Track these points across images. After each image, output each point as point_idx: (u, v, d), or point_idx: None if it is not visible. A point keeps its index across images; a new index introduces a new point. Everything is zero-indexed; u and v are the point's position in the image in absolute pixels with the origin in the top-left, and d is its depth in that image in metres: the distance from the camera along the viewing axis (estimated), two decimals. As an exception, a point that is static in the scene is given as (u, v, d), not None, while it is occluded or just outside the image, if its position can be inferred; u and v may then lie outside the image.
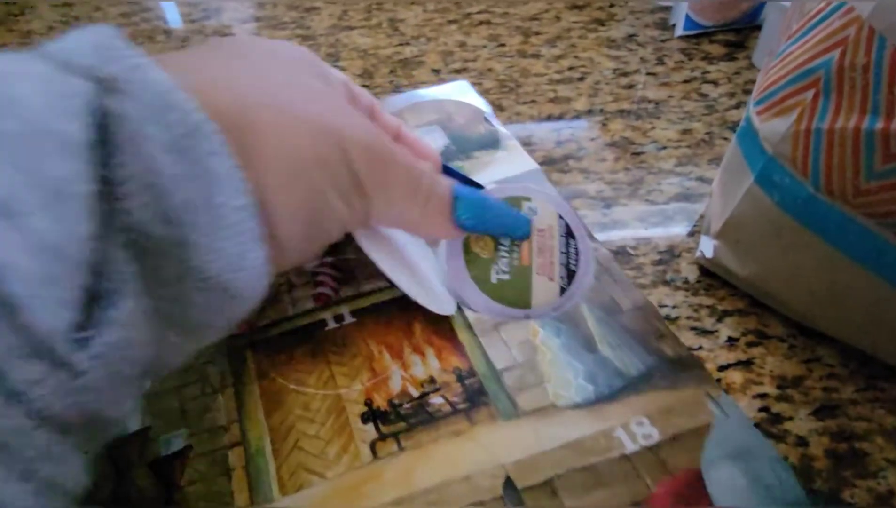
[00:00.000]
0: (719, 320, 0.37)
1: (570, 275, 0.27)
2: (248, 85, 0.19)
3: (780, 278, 0.34)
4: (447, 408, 0.31)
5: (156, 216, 0.15)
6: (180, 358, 0.19)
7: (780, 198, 0.32)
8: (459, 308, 0.35)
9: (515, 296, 0.27)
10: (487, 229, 0.27)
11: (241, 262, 0.17)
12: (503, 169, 0.44)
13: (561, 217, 0.29)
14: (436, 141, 0.46)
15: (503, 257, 0.27)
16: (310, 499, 0.28)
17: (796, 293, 0.34)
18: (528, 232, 0.28)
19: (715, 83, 0.56)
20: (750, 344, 0.35)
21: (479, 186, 0.32)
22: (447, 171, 0.31)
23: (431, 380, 0.32)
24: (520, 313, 0.26)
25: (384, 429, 0.30)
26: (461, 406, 0.31)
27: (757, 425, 0.31)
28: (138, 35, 0.65)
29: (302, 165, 0.19)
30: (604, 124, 0.52)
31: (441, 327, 0.35)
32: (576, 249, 0.28)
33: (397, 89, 0.56)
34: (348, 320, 0.35)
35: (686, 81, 0.57)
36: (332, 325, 0.35)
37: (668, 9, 0.67)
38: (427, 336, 0.34)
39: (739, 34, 0.62)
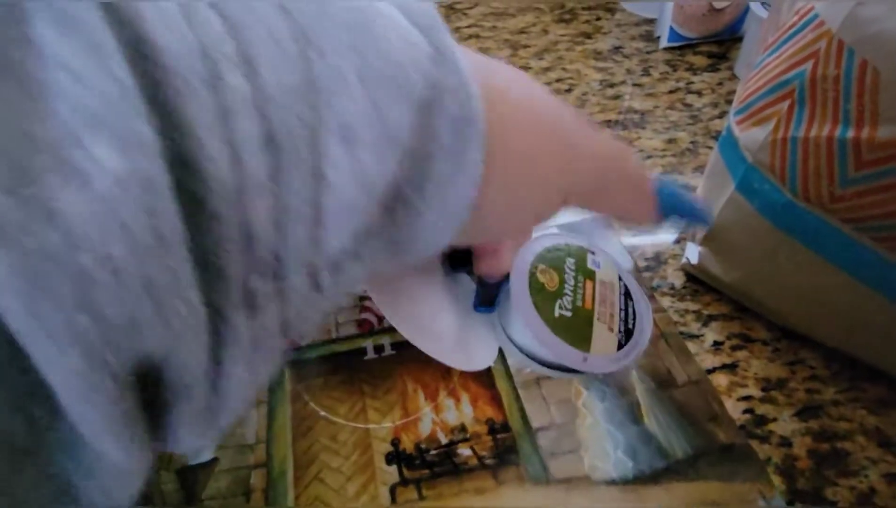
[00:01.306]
0: (705, 324, 0.37)
1: (628, 334, 0.27)
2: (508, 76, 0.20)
3: (763, 283, 0.35)
4: (474, 461, 0.30)
5: (411, 177, 0.16)
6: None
7: (761, 205, 0.33)
8: (502, 356, 0.33)
9: (575, 336, 0.26)
10: (683, 213, 0.26)
11: (433, 238, 0.18)
12: (566, 213, 0.42)
13: (620, 278, 0.29)
14: None
15: (567, 294, 0.26)
16: (322, 535, 0.27)
17: (779, 297, 0.35)
18: (711, 221, 0.28)
19: (699, 93, 0.57)
20: (735, 348, 0.36)
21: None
22: None
23: (462, 428, 0.31)
24: (578, 355, 0.25)
25: (407, 474, 0.29)
26: (489, 462, 0.30)
27: (742, 426, 0.32)
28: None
29: (540, 170, 0.20)
30: (591, 135, 0.53)
31: (480, 372, 0.33)
32: (633, 310, 0.28)
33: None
34: (388, 351, 0.34)
35: (671, 92, 0.58)
36: (371, 355, 0.34)
37: (652, 21, 0.68)
38: (464, 381, 0.33)
39: (722, 45, 0.64)
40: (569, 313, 0.26)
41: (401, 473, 0.29)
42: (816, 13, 0.28)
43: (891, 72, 0.25)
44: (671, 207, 0.25)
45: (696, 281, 0.40)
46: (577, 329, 0.26)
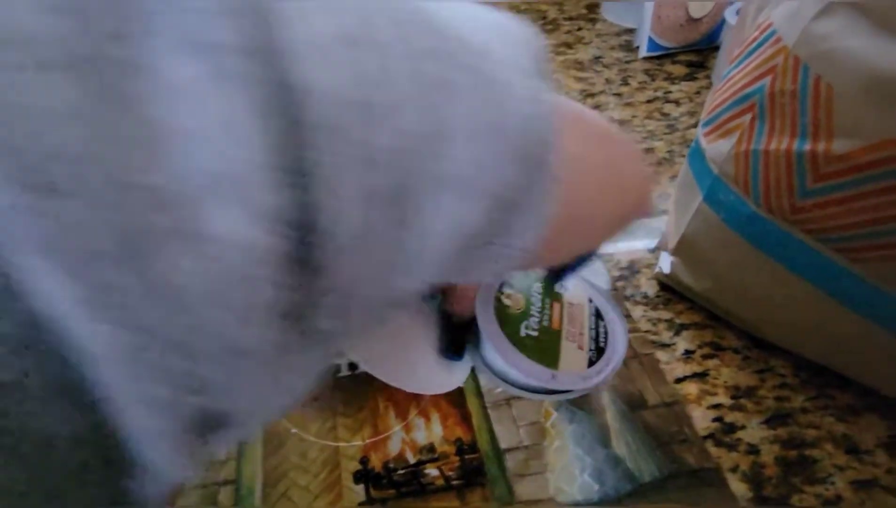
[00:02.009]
0: (677, 333, 0.38)
1: (600, 351, 0.27)
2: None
3: (732, 292, 0.36)
4: (441, 482, 0.30)
5: (494, 225, 0.15)
6: None
7: (727, 216, 0.33)
8: (473, 374, 0.32)
9: (543, 354, 0.25)
10: None
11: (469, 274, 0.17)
12: None
13: (591, 300, 0.28)
14: None
15: (533, 315, 0.26)
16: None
17: (747, 306, 0.36)
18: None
19: (676, 103, 0.58)
20: (705, 356, 0.36)
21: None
22: None
23: (431, 448, 0.31)
24: (546, 372, 0.25)
25: (374, 493, 0.29)
26: (455, 482, 0.30)
27: (710, 435, 0.32)
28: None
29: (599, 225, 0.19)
30: (569, 144, 0.53)
31: (451, 391, 0.32)
32: (605, 329, 0.27)
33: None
34: (362, 368, 0.32)
35: (649, 102, 0.58)
36: (345, 372, 0.34)
37: (633, 31, 0.69)
38: (435, 399, 0.33)
39: (700, 54, 0.65)
40: (535, 333, 0.26)
41: (367, 492, 0.29)
42: (775, 29, 0.28)
43: (843, 87, 0.25)
44: None
45: (669, 290, 0.40)
46: (544, 348, 0.26)
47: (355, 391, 0.34)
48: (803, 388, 0.35)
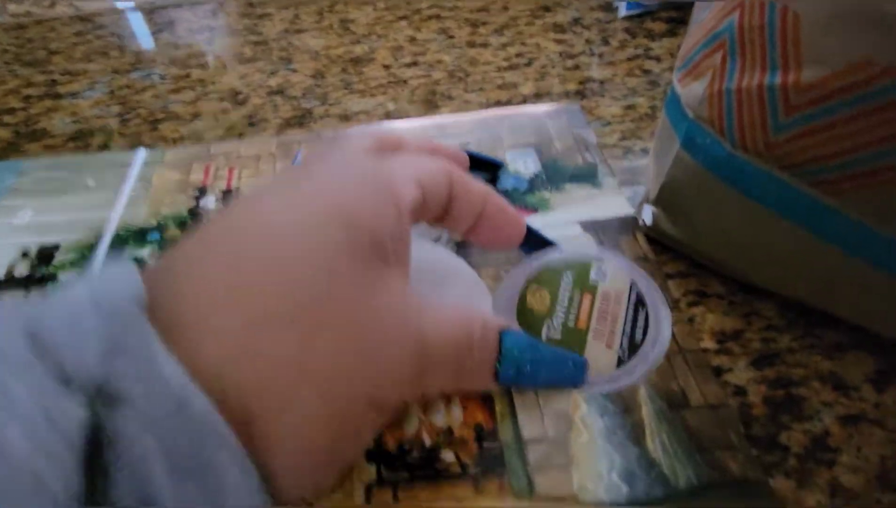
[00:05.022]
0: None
1: (634, 347, 0.25)
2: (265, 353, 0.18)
3: (713, 238, 0.36)
4: (456, 468, 0.27)
5: None
6: None
7: (704, 159, 0.33)
8: None
9: None
10: (535, 382, 0.24)
11: None
12: (591, 209, 0.40)
13: (633, 284, 0.26)
14: (527, 166, 0.44)
15: (558, 314, 0.25)
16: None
17: (729, 251, 0.35)
18: (582, 381, 0.25)
19: (658, 59, 0.58)
20: (691, 304, 0.37)
21: (550, 244, 0.30)
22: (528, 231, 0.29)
23: (449, 432, 0.29)
24: None
25: (386, 474, 0.27)
26: (472, 470, 0.27)
27: (697, 379, 0.33)
28: (91, 53, 0.66)
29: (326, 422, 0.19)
30: (551, 106, 0.53)
31: None
32: (645, 319, 0.26)
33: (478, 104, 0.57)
34: None
35: (630, 59, 0.58)
36: None
37: (612, -9, 0.68)
38: None
39: (680, 10, 0.64)
40: (558, 336, 0.24)
41: (379, 472, 0.28)
42: (741, -38, 0.28)
43: (810, 14, 0.25)
44: (518, 372, 0.25)
45: (653, 241, 0.40)
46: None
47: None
48: (789, 328, 0.35)
